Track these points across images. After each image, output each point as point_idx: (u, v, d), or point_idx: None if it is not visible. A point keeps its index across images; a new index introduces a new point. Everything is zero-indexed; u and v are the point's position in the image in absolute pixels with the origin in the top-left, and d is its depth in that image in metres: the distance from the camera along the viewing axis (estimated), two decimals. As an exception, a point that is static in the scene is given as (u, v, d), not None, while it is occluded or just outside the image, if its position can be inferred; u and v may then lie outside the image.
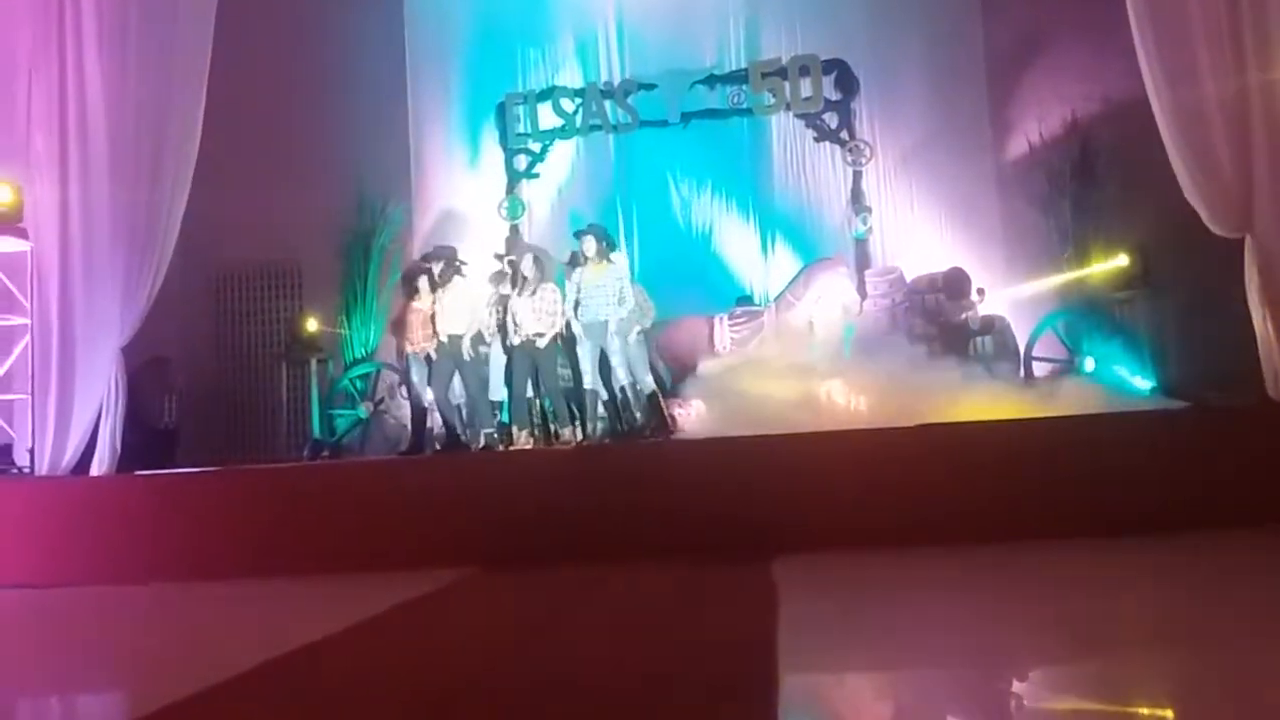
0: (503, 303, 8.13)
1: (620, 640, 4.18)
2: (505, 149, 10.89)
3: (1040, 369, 9.04)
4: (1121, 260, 8.99)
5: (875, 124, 10.59)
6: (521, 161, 10.91)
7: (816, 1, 10.82)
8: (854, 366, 8.38)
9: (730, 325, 9.66)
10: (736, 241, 10.67)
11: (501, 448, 7.93)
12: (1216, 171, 6.68)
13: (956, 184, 10.21)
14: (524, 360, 7.94)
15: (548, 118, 10.76)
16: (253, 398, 10.78)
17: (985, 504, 5.87)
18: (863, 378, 8.08)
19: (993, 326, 9.06)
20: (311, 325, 9.96)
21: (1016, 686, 3.59)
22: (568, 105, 10.73)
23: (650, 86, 10.63)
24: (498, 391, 8.29)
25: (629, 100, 10.61)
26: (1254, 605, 4.17)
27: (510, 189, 10.89)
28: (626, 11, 11.02)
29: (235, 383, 10.86)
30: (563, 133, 10.77)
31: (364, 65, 10.64)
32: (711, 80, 10.64)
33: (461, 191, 11.12)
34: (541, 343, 7.85)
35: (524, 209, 10.87)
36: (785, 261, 10.51)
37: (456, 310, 8.07)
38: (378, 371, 9.99)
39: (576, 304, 7.93)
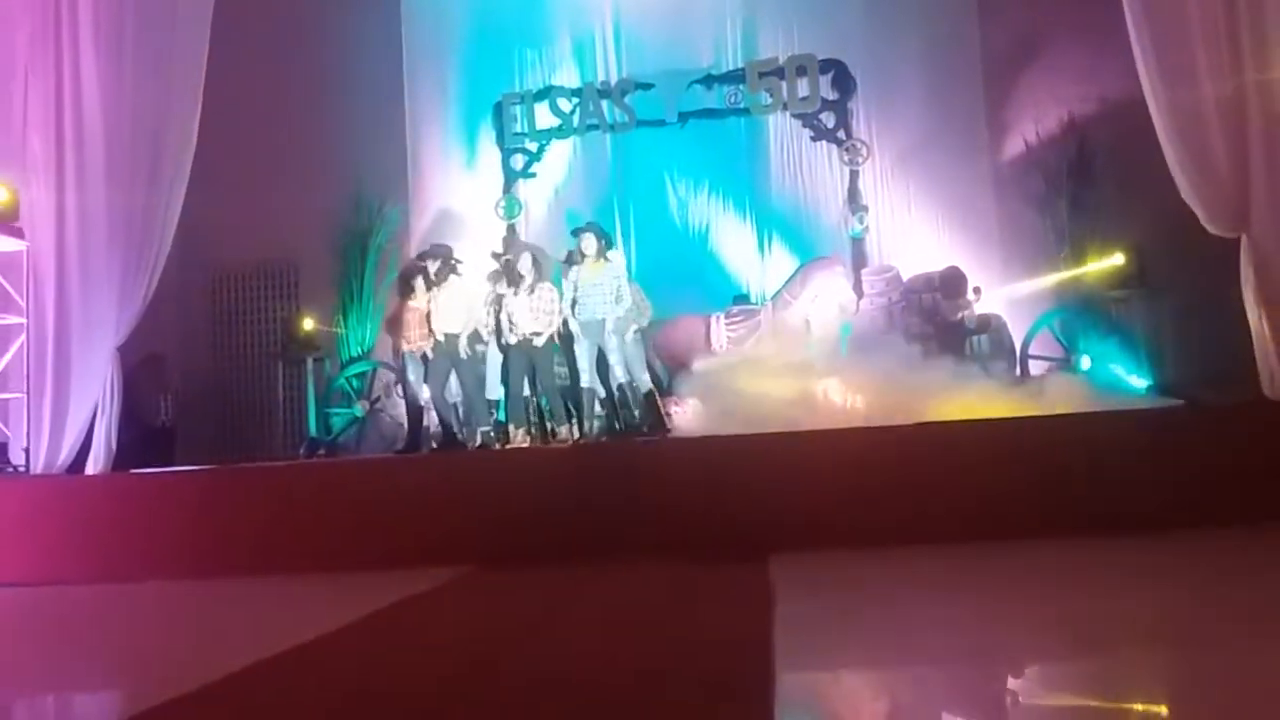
0: (499, 301, 8.13)
1: (615, 638, 4.17)
2: (502, 148, 10.89)
3: (1036, 368, 9.07)
4: (1117, 259, 9.00)
5: (872, 124, 10.60)
6: (518, 161, 10.92)
7: (813, 1, 10.81)
8: (850, 365, 8.38)
9: (727, 324, 9.66)
10: (733, 240, 10.66)
11: (498, 446, 7.94)
12: (1213, 171, 6.69)
13: (953, 183, 10.22)
14: (520, 359, 7.94)
15: (545, 117, 10.76)
16: (249, 396, 10.79)
17: (981, 502, 5.87)
18: (859, 376, 8.08)
19: (989, 325, 9.07)
20: (308, 324, 9.97)
21: (1012, 684, 3.60)
22: (565, 105, 10.73)
23: (647, 86, 10.63)
24: (494, 390, 8.29)
25: (626, 100, 10.61)
26: (1249, 604, 4.17)
27: (507, 188, 10.89)
28: (624, 11, 11.02)
29: (231, 381, 10.88)
30: (560, 132, 10.77)
31: (361, 65, 10.65)
32: (709, 80, 10.65)
33: (458, 191, 11.11)
34: (539, 341, 7.85)
35: (521, 208, 10.88)
36: (782, 260, 10.52)
37: (453, 309, 8.07)
38: (374, 370, 10.00)
39: (574, 302, 7.93)
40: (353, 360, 10.29)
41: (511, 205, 10.83)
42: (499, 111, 10.86)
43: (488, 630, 4.46)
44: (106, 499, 6.81)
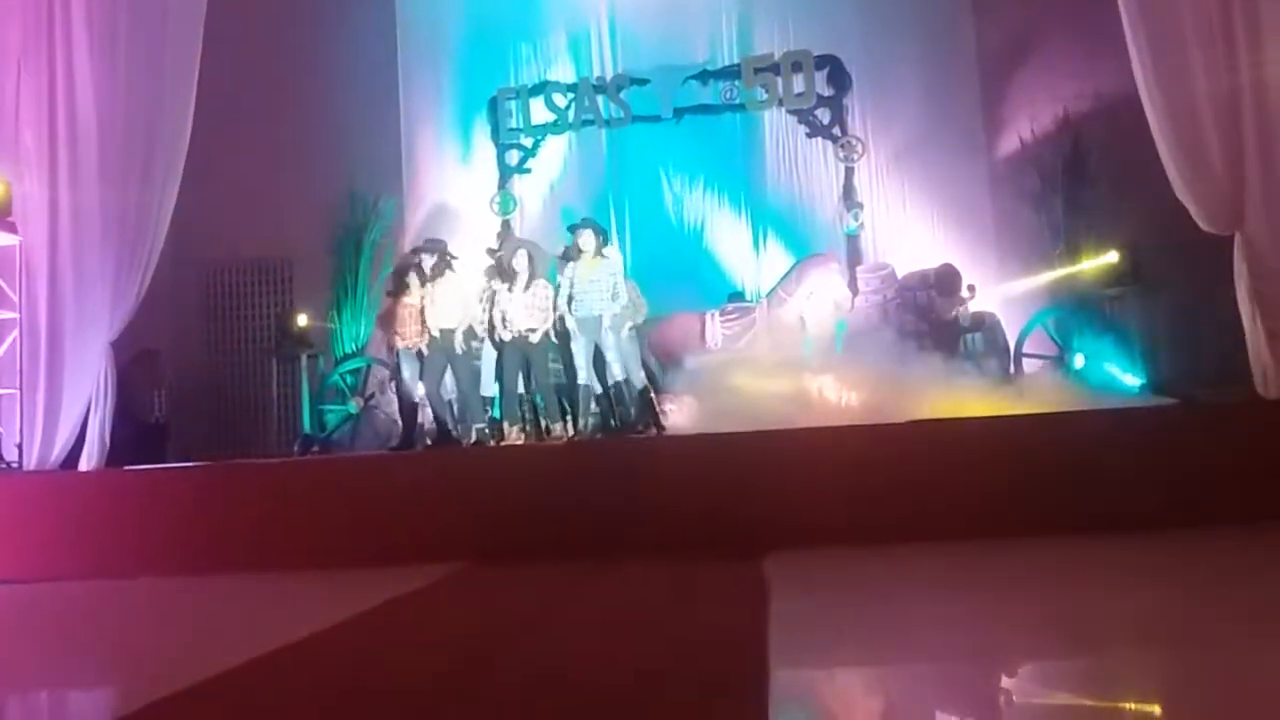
0: (494, 297, 8.11)
1: (611, 636, 4.17)
2: (497, 144, 10.88)
3: (1030, 365, 9.07)
4: (1112, 257, 9.01)
5: (867, 120, 10.62)
6: (513, 156, 10.91)
7: (809, -3, 10.83)
8: (845, 362, 8.39)
9: (722, 321, 9.67)
10: (728, 237, 10.67)
11: (493, 443, 7.92)
12: (1207, 169, 6.71)
13: (948, 181, 10.24)
14: (515, 355, 7.93)
15: (540, 113, 10.75)
16: (243, 393, 10.77)
17: (976, 500, 5.88)
18: (854, 373, 8.08)
19: (983, 323, 9.09)
20: (302, 320, 9.93)
21: (1008, 683, 3.60)
22: (560, 100, 10.72)
23: (643, 82, 10.62)
24: (489, 387, 8.27)
25: (621, 95, 10.61)
26: (1244, 602, 4.18)
27: (502, 184, 10.88)
28: (619, 6, 11.02)
29: (225, 378, 10.85)
30: (555, 128, 10.75)
31: (356, 60, 10.60)
32: (704, 75, 10.66)
33: (453, 186, 11.10)
34: (534, 338, 7.84)
35: (516, 204, 10.86)
36: (777, 257, 10.53)
37: (448, 304, 8.01)
38: (368, 366, 9.97)
39: (570, 299, 7.89)
40: (347, 356, 10.27)
41: (506, 201, 10.81)
42: (494, 107, 10.84)
43: (482, 627, 4.45)
44: (100, 495, 6.78)
